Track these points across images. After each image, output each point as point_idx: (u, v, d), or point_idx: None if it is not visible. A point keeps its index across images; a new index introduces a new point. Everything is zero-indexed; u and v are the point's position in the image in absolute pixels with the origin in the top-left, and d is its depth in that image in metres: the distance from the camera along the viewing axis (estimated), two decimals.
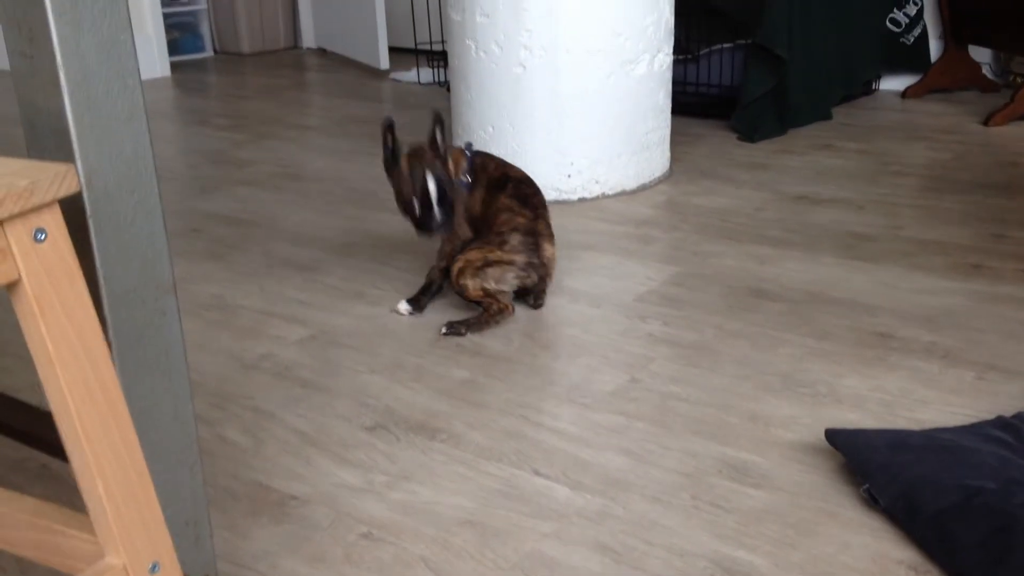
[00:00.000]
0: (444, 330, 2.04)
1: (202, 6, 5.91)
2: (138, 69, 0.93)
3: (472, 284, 2.06)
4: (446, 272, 2.14)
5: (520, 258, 2.08)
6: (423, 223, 2.03)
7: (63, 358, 0.80)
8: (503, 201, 2.12)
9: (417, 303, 2.16)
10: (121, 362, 0.94)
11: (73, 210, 0.90)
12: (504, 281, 2.08)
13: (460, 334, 2.03)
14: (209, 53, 6.00)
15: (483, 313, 2.05)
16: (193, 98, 4.87)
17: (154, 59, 5.28)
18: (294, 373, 1.90)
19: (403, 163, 2.02)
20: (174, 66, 5.44)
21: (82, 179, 0.89)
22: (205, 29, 5.97)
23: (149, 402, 0.97)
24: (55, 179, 0.78)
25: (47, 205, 0.78)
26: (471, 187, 2.14)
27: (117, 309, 0.93)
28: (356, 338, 2.04)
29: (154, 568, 0.88)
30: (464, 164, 2.13)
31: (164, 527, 0.89)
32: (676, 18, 3.03)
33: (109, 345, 0.93)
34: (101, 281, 0.92)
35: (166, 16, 5.42)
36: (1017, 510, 1.28)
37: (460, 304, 2.16)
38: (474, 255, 2.08)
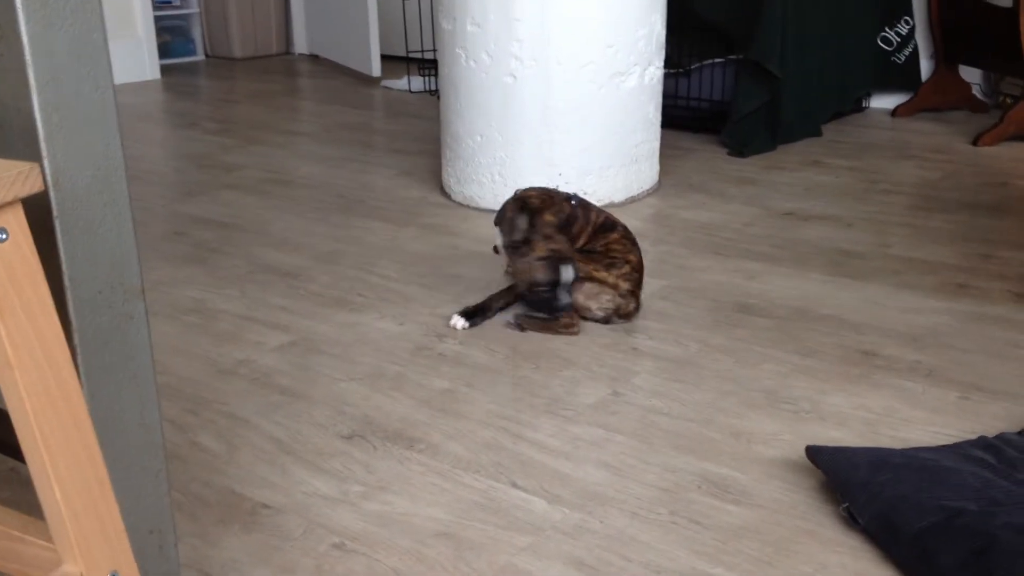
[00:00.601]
0: (511, 320, 2.10)
1: (194, 9, 5.89)
2: (110, 69, 0.92)
3: None
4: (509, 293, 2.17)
5: (625, 285, 2.09)
6: (550, 306, 2.06)
7: (22, 361, 0.78)
8: (616, 238, 2.14)
9: (471, 318, 2.11)
10: (85, 366, 0.92)
11: (40, 211, 0.88)
12: (596, 300, 2.08)
13: (522, 329, 2.06)
14: (200, 57, 5.98)
15: (555, 321, 2.07)
16: (182, 101, 4.85)
17: (144, 62, 5.26)
18: (272, 380, 1.88)
19: (538, 248, 2.04)
20: (164, 69, 5.42)
21: (49, 179, 0.87)
22: (197, 33, 5.96)
23: (114, 408, 0.95)
24: (17, 178, 0.76)
25: (9, 204, 0.76)
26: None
27: (83, 312, 0.91)
28: (337, 346, 2.02)
29: None
30: (567, 211, 2.15)
31: (124, 535, 0.87)
32: (668, 32, 3.02)
33: (73, 349, 0.91)
34: (67, 283, 0.90)
35: (157, 19, 5.40)
36: (998, 531, 1.27)
37: (443, 316, 2.14)
38: (578, 265, 2.08)
